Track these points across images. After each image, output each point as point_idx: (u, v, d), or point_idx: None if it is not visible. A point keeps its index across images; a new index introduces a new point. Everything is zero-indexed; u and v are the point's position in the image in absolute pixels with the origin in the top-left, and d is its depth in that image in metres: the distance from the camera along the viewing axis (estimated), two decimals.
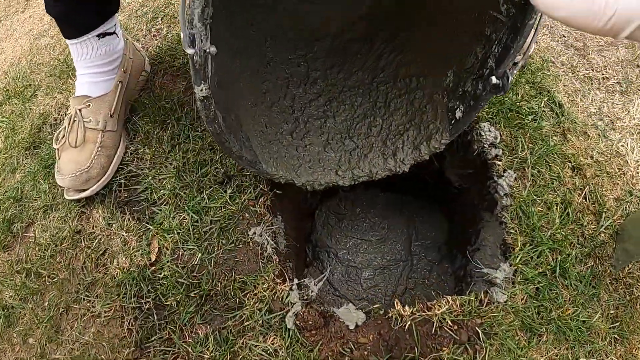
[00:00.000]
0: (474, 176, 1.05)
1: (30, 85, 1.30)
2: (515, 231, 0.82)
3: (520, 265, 0.78)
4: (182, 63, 1.08)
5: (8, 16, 1.71)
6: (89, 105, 0.95)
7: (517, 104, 0.98)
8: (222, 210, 0.82)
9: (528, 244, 0.80)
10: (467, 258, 1.03)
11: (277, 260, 0.78)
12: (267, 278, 0.76)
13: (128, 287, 0.81)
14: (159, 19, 1.25)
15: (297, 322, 0.73)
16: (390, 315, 0.74)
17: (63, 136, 0.94)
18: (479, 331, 0.72)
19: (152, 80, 1.08)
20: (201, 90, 0.59)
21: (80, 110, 0.95)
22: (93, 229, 0.92)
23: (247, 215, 0.82)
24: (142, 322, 0.79)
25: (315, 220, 1.18)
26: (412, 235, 1.18)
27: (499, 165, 0.91)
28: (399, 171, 0.90)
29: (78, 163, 0.92)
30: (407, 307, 0.74)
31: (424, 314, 0.73)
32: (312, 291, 0.77)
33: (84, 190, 0.93)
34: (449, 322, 0.72)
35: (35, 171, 1.05)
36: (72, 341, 0.84)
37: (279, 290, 0.75)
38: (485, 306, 0.72)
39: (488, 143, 0.94)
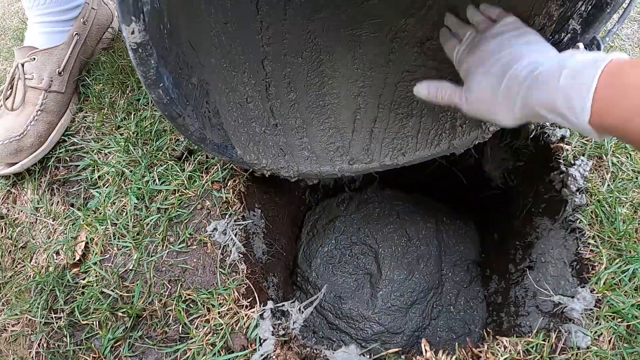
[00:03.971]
0: (525, 170, 0.80)
1: None
2: (596, 241, 0.56)
3: (606, 292, 0.51)
4: None
5: None
6: (34, 58, 0.75)
7: None
8: (175, 195, 0.59)
9: (616, 260, 0.54)
10: (506, 280, 0.78)
11: (246, 271, 0.53)
12: (226, 297, 0.52)
13: (40, 295, 0.58)
14: None
15: None
16: None
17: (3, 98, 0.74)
18: None
19: (120, 39, 0.88)
20: (132, 32, 0.36)
21: (23, 64, 0.74)
22: (19, 214, 0.70)
23: (207, 203, 0.58)
24: (54, 344, 0.56)
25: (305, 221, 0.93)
26: (441, 251, 0.92)
27: (567, 150, 0.66)
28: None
29: (9, 129, 0.71)
30: (441, 355, 0.49)
31: None
32: (294, 322, 0.52)
33: (12, 165, 0.72)
34: None
35: None
36: None
37: (242, 317, 0.51)
38: (561, 354, 0.46)
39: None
